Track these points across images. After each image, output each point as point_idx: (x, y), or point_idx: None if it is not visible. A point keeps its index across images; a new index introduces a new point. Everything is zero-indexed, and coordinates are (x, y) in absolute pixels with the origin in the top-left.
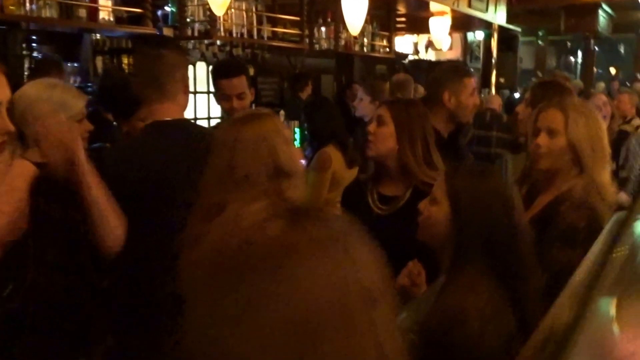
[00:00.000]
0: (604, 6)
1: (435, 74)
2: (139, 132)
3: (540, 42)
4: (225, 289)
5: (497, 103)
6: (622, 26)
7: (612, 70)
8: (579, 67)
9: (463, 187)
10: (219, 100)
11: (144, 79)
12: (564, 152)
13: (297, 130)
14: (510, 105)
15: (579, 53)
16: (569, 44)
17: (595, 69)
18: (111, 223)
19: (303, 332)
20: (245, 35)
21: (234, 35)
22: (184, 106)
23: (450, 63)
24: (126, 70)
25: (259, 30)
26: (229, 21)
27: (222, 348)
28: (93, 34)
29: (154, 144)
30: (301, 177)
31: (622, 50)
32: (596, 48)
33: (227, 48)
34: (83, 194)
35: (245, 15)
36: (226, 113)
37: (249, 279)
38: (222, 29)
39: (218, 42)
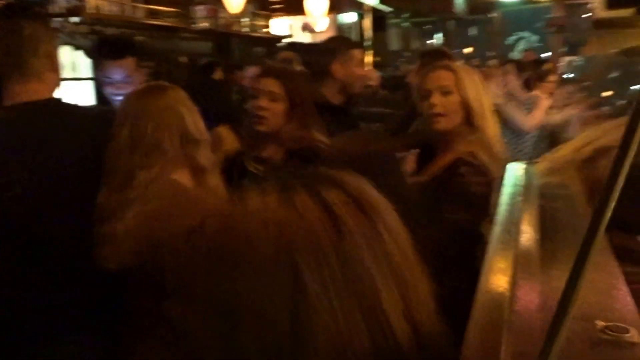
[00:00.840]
0: None
1: (324, 46)
2: None
3: (405, 24)
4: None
5: (374, 79)
6: (476, 8)
7: (465, 50)
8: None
9: None
10: (102, 84)
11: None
12: (458, 109)
13: None
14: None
15: (435, 36)
16: (427, 26)
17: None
18: None
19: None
20: (120, 13)
21: (107, 12)
22: (54, 85)
23: (336, 36)
24: None
25: (133, 9)
26: None
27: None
28: None
29: (16, 129)
30: (208, 144)
31: (475, 31)
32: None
33: (98, 27)
34: None
35: None
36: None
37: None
38: (91, 6)
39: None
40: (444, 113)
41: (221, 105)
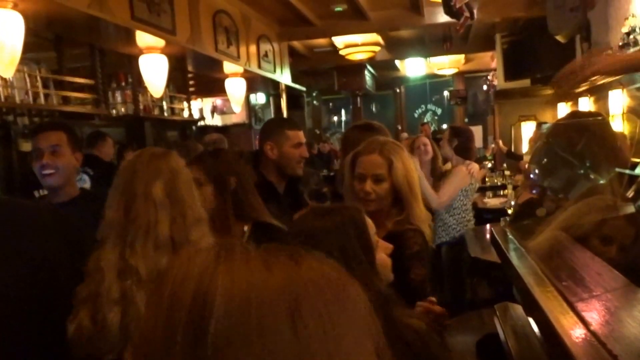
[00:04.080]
0: (368, 67)
1: (262, 127)
2: None
3: (315, 102)
4: None
5: None
6: (381, 85)
7: None
8: (342, 124)
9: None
10: (33, 161)
11: None
12: (388, 195)
13: None
14: (311, 162)
15: (342, 112)
16: (330, 104)
17: None
18: None
19: None
20: (31, 101)
21: (17, 101)
22: None
23: (275, 118)
24: None
25: (46, 96)
26: (7, 87)
27: None
28: None
29: None
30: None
31: (375, 108)
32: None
33: (10, 116)
34: None
35: (28, 79)
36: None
37: None
38: (1, 94)
39: None
40: (375, 198)
41: None
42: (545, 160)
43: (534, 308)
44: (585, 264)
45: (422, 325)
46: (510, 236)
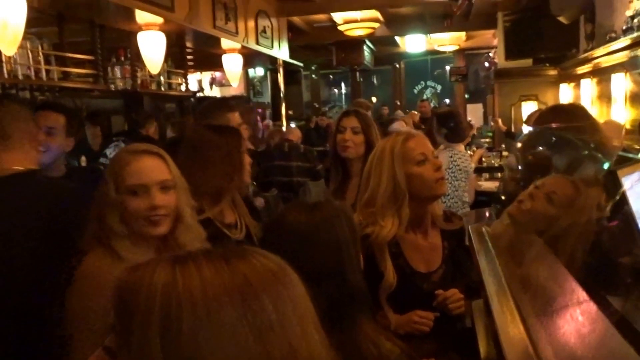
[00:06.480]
0: (367, 42)
1: (200, 110)
2: None
3: (314, 76)
4: None
5: (296, 135)
6: (381, 59)
7: (373, 99)
8: (342, 97)
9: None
10: None
11: None
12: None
13: None
14: (308, 136)
15: (342, 85)
16: (331, 77)
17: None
18: None
19: None
20: (33, 77)
21: (20, 77)
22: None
23: (215, 99)
24: None
25: (47, 71)
26: (11, 62)
27: None
28: None
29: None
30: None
31: (376, 80)
32: (361, 79)
33: (13, 91)
34: None
35: (30, 55)
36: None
37: None
38: (4, 70)
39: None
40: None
41: None
42: (523, 167)
43: (490, 318)
44: (550, 276)
45: (395, 351)
46: (487, 237)
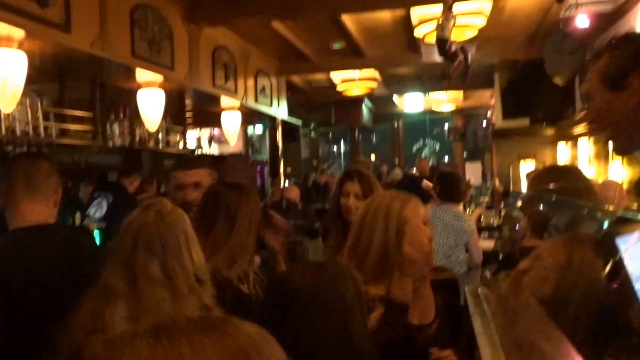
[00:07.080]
0: (366, 101)
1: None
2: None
3: (312, 134)
4: None
5: (295, 194)
6: (380, 117)
7: (372, 156)
8: (342, 155)
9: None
10: None
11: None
12: None
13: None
14: (307, 193)
15: (342, 142)
16: (330, 134)
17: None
18: None
19: None
20: (31, 134)
21: (18, 133)
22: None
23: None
24: None
25: (45, 128)
26: (9, 118)
27: None
28: None
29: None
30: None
31: (375, 138)
32: (360, 137)
33: (10, 147)
34: None
35: (29, 112)
36: None
37: None
38: (2, 126)
39: None
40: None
41: None
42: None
43: None
44: (545, 337)
45: None
46: (482, 297)
